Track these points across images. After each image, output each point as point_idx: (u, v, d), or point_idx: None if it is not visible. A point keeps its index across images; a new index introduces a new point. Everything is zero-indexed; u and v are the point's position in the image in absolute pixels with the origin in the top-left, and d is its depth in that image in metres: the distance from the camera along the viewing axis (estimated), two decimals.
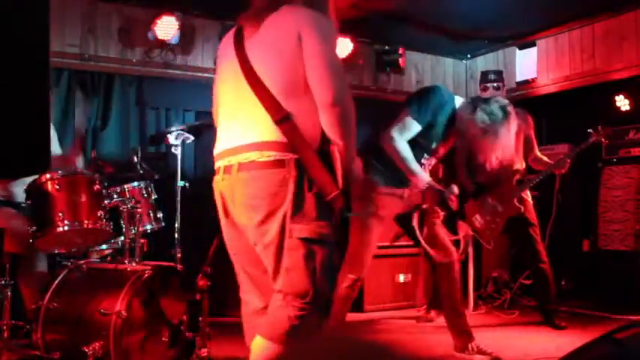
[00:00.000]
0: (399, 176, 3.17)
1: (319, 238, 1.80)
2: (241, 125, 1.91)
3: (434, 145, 3.27)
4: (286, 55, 1.83)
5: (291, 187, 1.79)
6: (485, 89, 4.46)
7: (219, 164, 1.96)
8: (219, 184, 1.96)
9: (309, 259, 1.80)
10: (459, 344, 3.29)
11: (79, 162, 3.46)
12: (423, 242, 3.30)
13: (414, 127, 3.11)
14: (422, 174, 3.15)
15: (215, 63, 2.10)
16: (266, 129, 1.83)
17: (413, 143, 3.14)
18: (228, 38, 2.03)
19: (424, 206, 3.32)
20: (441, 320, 4.30)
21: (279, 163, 1.81)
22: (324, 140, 1.88)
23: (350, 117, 1.84)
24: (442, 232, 3.38)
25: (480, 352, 3.25)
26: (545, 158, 4.41)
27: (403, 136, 3.11)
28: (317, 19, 1.85)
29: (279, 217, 1.80)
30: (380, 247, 4.52)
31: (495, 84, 4.44)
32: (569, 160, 4.07)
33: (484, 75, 4.79)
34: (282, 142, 1.81)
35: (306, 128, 1.83)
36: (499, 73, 4.65)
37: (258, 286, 2.00)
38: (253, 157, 1.83)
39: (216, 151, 2.00)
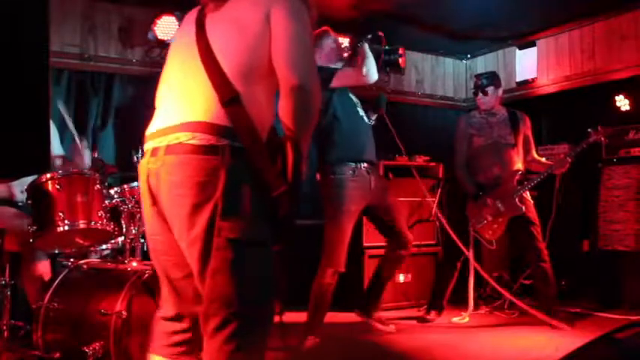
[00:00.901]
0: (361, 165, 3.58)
1: (252, 240, 1.57)
2: (181, 103, 1.67)
3: None
4: (249, 33, 1.65)
5: (224, 178, 1.54)
6: (476, 95, 4.41)
7: (148, 145, 1.73)
8: (143, 167, 1.72)
9: (237, 263, 1.55)
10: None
11: (86, 160, 3.43)
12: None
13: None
14: None
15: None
16: (207, 109, 1.60)
17: None
18: (189, 15, 1.84)
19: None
20: (440, 320, 4.30)
21: (211, 149, 1.55)
22: (274, 133, 1.68)
23: (312, 106, 1.65)
24: None
25: (380, 322, 3.91)
26: (543, 160, 4.42)
27: None
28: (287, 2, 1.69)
29: (207, 212, 1.54)
30: (380, 247, 4.52)
31: (487, 89, 4.36)
32: (569, 160, 4.07)
33: (475, 81, 4.50)
34: (221, 125, 1.58)
35: (257, 115, 1.61)
36: (489, 77, 4.40)
37: (177, 292, 1.76)
38: (182, 139, 1.58)
39: (148, 131, 1.76)
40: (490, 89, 4.33)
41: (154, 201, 1.70)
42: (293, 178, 1.59)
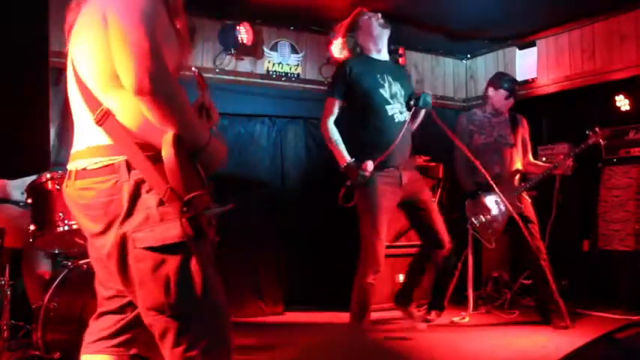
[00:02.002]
0: (391, 159, 3.49)
1: (167, 244, 1.56)
2: (78, 127, 1.70)
3: None
4: (96, 42, 1.58)
5: (127, 192, 1.57)
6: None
7: (67, 168, 1.75)
8: (64, 191, 1.75)
9: (157, 270, 1.56)
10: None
11: None
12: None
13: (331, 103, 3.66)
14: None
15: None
16: (91, 132, 1.62)
17: None
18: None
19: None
20: (440, 320, 4.30)
21: (108, 169, 1.59)
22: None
23: (170, 100, 1.52)
24: None
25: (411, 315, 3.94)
26: (539, 162, 4.43)
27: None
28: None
29: (116, 227, 1.58)
30: None
31: (487, 89, 4.44)
32: (570, 161, 4.08)
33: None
34: (107, 145, 1.60)
35: (133, 123, 1.59)
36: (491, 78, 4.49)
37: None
38: (84, 165, 1.63)
39: (70, 153, 1.78)
40: (489, 90, 4.35)
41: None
42: (173, 178, 1.53)
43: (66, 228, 2.90)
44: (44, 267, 3.30)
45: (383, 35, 3.65)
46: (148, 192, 1.57)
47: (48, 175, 2.94)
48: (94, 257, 1.79)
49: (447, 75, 6.29)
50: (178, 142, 1.53)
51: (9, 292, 2.94)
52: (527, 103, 5.35)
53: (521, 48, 5.66)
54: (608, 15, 4.89)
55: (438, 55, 6.18)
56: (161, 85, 1.49)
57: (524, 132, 4.39)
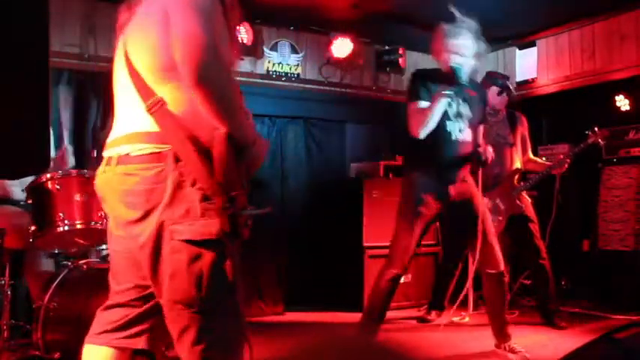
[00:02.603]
0: (445, 176, 3.29)
1: (205, 239, 1.59)
2: (125, 114, 1.75)
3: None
4: (154, 37, 1.64)
5: (170, 182, 1.59)
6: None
7: (105, 154, 1.78)
8: (99, 176, 1.78)
9: (193, 263, 1.59)
10: (496, 341, 3.41)
11: (69, 163, 3.45)
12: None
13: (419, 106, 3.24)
14: None
15: None
16: (139, 118, 1.65)
17: None
18: (118, 26, 1.88)
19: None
20: (440, 320, 4.30)
21: (154, 157, 1.61)
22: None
23: (222, 97, 1.57)
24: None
25: (512, 351, 3.34)
26: (539, 160, 4.43)
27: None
28: None
29: (156, 216, 1.60)
30: (379, 247, 4.52)
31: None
32: (568, 160, 4.08)
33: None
34: (155, 132, 1.62)
35: (186, 114, 1.62)
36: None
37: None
38: (129, 150, 1.65)
39: (107, 140, 1.82)
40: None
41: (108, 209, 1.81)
42: (222, 174, 1.57)
43: (66, 228, 2.89)
44: (47, 266, 3.30)
45: None
46: (192, 185, 1.58)
47: (48, 175, 2.95)
48: (117, 249, 1.83)
49: None
50: (229, 139, 1.57)
51: (9, 292, 2.94)
52: (527, 103, 5.35)
53: (521, 48, 5.66)
54: (608, 15, 4.89)
55: None
56: (216, 78, 1.55)
57: (523, 130, 4.39)
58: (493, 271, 3.34)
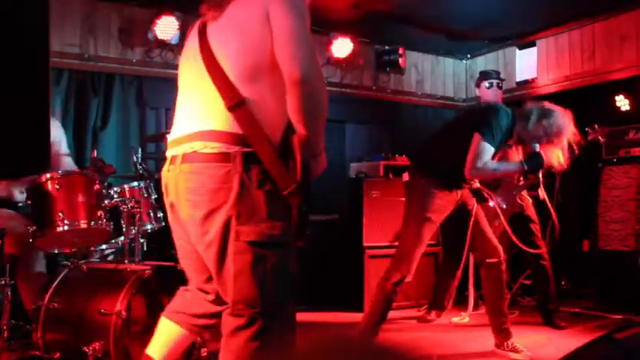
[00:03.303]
0: (452, 181, 3.33)
1: (270, 241, 1.62)
2: (192, 112, 1.76)
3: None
4: (250, 35, 1.67)
5: (236, 183, 1.61)
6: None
7: (168, 153, 1.81)
8: (165, 175, 1.81)
9: (257, 265, 1.62)
10: (497, 340, 3.41)
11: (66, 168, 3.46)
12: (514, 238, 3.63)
13: (490, 151, 3.20)
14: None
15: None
16: (215, 116, 1.67)
17: None
18: (192, 27, 1.91)
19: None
20: (440, 320, 4.31)
21: (223, 157, 1.63)
22: (290, 130, 1.70)
23: (318, 100, 1.63)
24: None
25: (514, 350, 3.35)
26: None
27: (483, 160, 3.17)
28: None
29: (222, 216, 1.62)
30: (379, 247, 4.53)
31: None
32: (567, 158, 4.08)
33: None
34: (230, 132, 1.64)
35: (266, 115, 1.65)
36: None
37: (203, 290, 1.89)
38: (196, 148, 1.67)
39: (169, 138, 1.85)
40: (477, 91, 4.41)
41: (172, 207, 1.81)
42: (301, 176, 1.62)
43: (66, 228, 2.89)
44: (40, 270, 3.29)
45: None
46: (258, 187, 1.61)
47: (48, 175, 2.95)
48: (184, 246, 1.85)
49: (447, 75, 6.29)
50: (305, 144, 1.64)
51: (9, 292, 2.94)
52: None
53: (521, 48, 5.66)
54: (608, 15, 4.89)
55: (438, 55, 6.18)
56: (316, 82, 1.60)
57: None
58: (494, 260, 3.39)
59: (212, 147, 1.64)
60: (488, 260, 3.41)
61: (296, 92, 1.59)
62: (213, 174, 1.62)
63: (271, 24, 1.64)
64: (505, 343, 3.37)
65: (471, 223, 3.42)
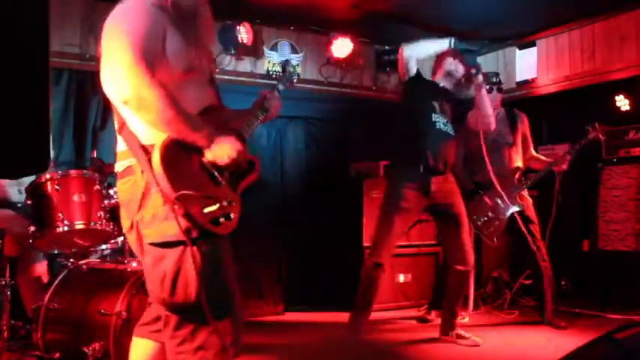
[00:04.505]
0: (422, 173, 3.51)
1: (167, 241, 1.66)
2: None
3: None
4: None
5: (140, 191, 1.70)
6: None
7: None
8: None
9: (156, 265, 1.69)
10: (442, 329, 3.72)
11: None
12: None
13: None
14: None
15: None
16: (119, 137, 1.82)
17: None
18: None
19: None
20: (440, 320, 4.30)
21: (128, 170, 1.76)
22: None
23: (150, 108, 1.63)
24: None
25: (460, 337, 3.63)
26: (542, 157, 4.43)
27: None
28: (115, 12, 1.79)
29: (135, 223, 1.74)
30: None
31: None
32: (569, 157, 4.09)
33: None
34: (126, 150, 1.78)
35: (138, 131, 1.73)
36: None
37: None
38: (117, 168, 1.83)
39: None
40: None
41: None
42: (163, 177, 1.62)
43: (66, 228, 2.90)
44: (41, 269, 3.29)
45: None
46: (157, 191, 1.66)
47: (47, 176, 2.95)
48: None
49: None
50: (166, 144, 1.65)
51: (9, 293, 2.94)
52: (527, 103, 5.34)
53: (521, 48, 5.66)
54: (608, 15, 4.89)
55: None
56: (138, 94, 1.60)
57: (524, 128, 4.39)
58: (462, 268, 3.61)
59: (121, 164, 1.80)
60: (457, 267, 3.62)
61: (131, 111, 1.67)
62: (126, 187, 1.76)
63: None
64: (450, 332, 3.65)
65: (454, 229, 3.62)
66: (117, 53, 1.63)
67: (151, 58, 1.63)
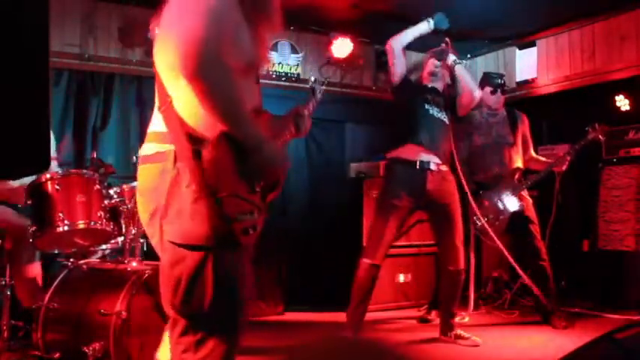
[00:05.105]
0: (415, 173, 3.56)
1: (190, 243, 1.52)
2: (153, 117, 1.80)
3: None
4: (169, 31, 1.57)
5: (168, 181, 1.56)
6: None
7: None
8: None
9: (174, 266, 1.55)
10: (441, 329, 3.74)
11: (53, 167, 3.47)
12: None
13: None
14: None
15: None
16: (155, 118, 1.70)
17: None
18: None
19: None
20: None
21: (158, 156, 1.64)
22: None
23: (222, 94, 1.50)
24: None
25: (459, 337, 3.65)
26: (542, 158, 4.43)
27: None
28: None
29: (158, 215, 1.60)
30: None
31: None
32: (569, 158, 4.09)
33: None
34: (161, 132, 1.64)
35: (190, 115, 1.56)
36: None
37: None
38: (144, 151, 1.72)
39: None
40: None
41: None
42: (212, 175, 1.49)
43: (66, 228, 2.90)
44: (36, 269, 3.29)
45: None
46: (187, 186, 1.50)
47: (48, 176, 2.95)
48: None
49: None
50: (224, 139, 1.50)
51: (9, 293, 2.94)
52: (527, 103, 5.35)
53: (521, 48, 5.66)
54: (608, 15, 4.89)
55: None
56: (208, 71, 1.46)
57: (524, 129, 4.40)
58: (452, 268, 3.64)
59: (149, 147, 1.71)
60: (449, 267, 3.65)
61: (194, 90, 1.48)
62: (152, 172, 1.66)
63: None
64: (449, 332, 3.67)
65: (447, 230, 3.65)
66: (189, 24, 1.48)
67: (222, 40, 1.51)
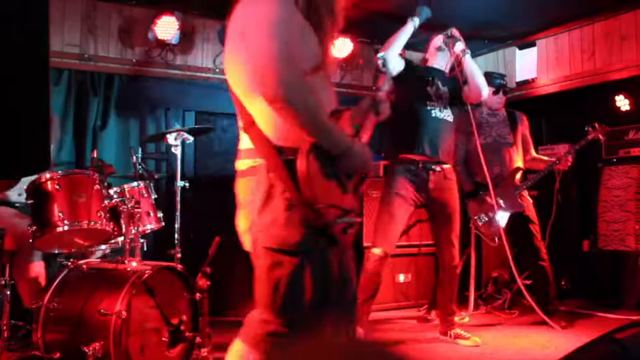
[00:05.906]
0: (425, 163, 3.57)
1: (287, 249, 1.60)
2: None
3: None
4: (237, 56, 1.66)
5: (262, 192, 1.64)
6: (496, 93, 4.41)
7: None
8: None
9: (271, 271, 1.62)
10: (441, 328, 3.77)
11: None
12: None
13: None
14: None
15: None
16: (244, 135, 1.74)
17: None
18: None
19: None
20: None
21: (252, 170, 1.70)
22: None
23: (304, 109, 1.56)
24: None
25: (459, 337, 3.66)
26: (544, 157, 4.43)
27: None
28: (256, 7, 1.62)
29: (252, 224, 1.69)
30: None
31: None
32: (570, 157, 4.10)
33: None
34: (251, 148, 1.70)
35: (271, 130, 1.64)
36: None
37: None
38: (239, 166, 1.77)
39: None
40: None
41: None
42: (306, 186, 1.56)
43: (66, 228, 2.89)
44: (39, 268, 3.29)
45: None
46: (280, 195, 1.60)
47: (48, 175, 2.95)
48: None
49: None
50: (313, 150, 1.57)
51: (9, 292, 2.94)
52: (527, 103, 5.35)
53: (521, 48, 5.66)
54: (608, 15, 4.89)
55: None
56: (292, 93, 1.53)
57: (524, 129, 4.40)
58: (448, 263, 3.67)
59: (244, 164, 1.73)
60: (446, 263, 3.69)
61: (277, 111, 1.56)
62: (248, 186, 1.71)
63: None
64: (449, 332, 3.67)
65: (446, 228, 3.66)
66: (260, 44, 1.53)
67: (292, 45, 1.55)
